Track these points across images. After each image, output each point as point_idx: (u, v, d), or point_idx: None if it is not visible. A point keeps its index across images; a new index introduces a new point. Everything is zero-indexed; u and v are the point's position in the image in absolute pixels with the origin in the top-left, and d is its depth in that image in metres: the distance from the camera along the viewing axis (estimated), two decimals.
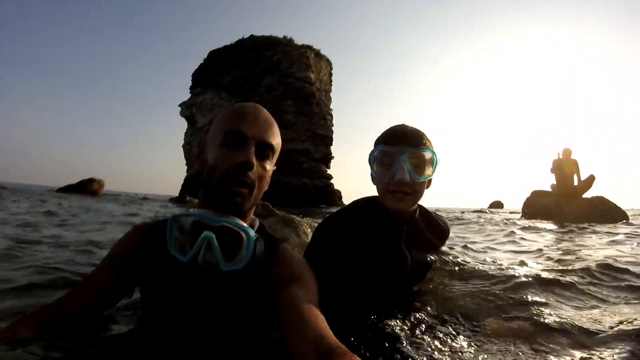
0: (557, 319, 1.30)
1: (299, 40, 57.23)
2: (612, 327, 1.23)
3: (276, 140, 1.09)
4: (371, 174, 1.42)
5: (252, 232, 0.96)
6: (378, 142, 1.39)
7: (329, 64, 59.45)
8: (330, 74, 60.23)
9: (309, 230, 3.67)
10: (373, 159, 1.39)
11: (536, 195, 9.78)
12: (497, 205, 32.58)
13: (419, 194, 1.38)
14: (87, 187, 23.39)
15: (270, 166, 1.08)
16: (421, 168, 1.33)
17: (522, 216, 9.85)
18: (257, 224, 1.16)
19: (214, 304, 0.99)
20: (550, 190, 9.43)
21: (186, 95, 58.19)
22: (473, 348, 1.12)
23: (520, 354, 1.09)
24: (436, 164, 1.35)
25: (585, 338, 1.18)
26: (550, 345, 1.15)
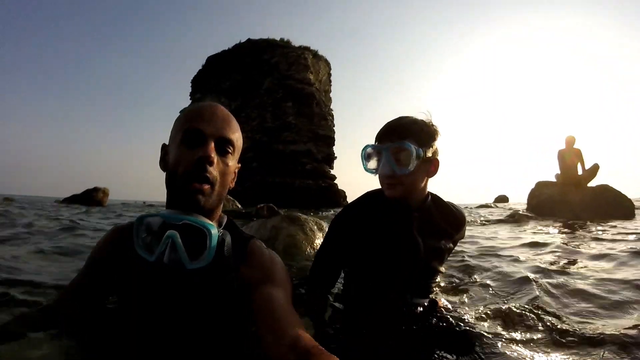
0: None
1: (296, 41, 56.89)
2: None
3: (236, 135, 1.09)
4: (364, 169, 1.51)
5: (214, 229, 0.96)
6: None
7: (327, 64, 59.56)
8: (329, 74, 60.34)
9: (315, 227, 3.66)
10: (365, 155, 1.49)
11: (541, 186, 9.59)
12: (502, 199, 32.44)
13: (409, 184, 1.44)
14: (93, 197, 22.41)
15: (232, 162, 1.08)
16: (403, 161, 1.39)
17: (527, 208, 9.78)
18: (224, 220, 1.16)
19: (180, 301, 1.00)
20: (555, 180, 9.31)
21: (187, 102, 58.06)
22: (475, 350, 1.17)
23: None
24: (419, 156, 1.39)
25: None
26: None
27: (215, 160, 1.01)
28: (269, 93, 50.51)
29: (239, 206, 10.58)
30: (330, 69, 60.36)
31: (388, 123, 1.47)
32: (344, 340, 1.22)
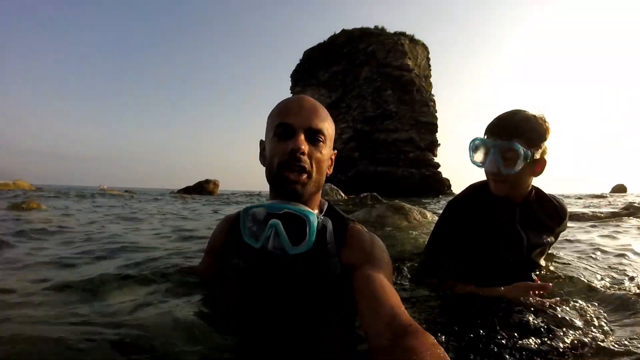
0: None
1: (391, 27, 55.88)
2: None
3: (325, 124, 1.10)
4: (470, 160, 1.51)
5: (314, 216, 1.00)
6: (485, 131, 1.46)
7: (425, 48, 57.88)
8: (428, 59, 58.62)
9: (419, 216, 3.61)
10: (473, 147, 1.48)
11: None
12: (619, 189, 29.41)
13: (514, 183, 1.45)
14: (204, 188, 24.64)
15: (325, 150, 1.10)
16: (510, 160, 1.38)
17: None
18: (325, 206, 1.20)
19: (283, 284, 1.06)
20: None
21: (288, 96, 60.08)
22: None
23: None
24: (527, 158, 1.37)
25: None
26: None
27: (306, 150, 1.03)
28: (368, 82, 50.99)
29: (343, 195, 10.48)
30: (428, 53, 58.62)
31: (500, 117, 1.44)
32: (442, 322, 1.22)
